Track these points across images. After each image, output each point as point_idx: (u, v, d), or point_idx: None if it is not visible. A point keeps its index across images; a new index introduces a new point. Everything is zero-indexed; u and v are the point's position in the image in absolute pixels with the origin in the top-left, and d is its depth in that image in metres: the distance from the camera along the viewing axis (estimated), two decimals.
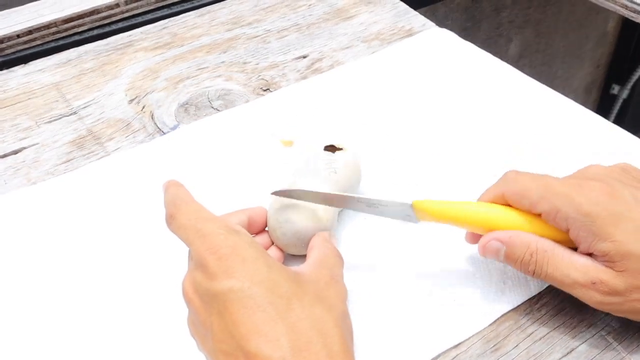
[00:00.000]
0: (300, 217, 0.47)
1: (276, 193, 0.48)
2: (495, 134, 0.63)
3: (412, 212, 0.46)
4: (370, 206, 0.47)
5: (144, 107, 0.67)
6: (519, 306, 0.47)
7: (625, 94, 1.59)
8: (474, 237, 0.47)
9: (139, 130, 0.65)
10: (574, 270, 0.42)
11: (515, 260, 0.44)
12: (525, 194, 0.44)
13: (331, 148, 0.53)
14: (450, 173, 0.59)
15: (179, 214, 0.42)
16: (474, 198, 0.48)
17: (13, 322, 0.47)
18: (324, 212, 0.48)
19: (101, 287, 0.50)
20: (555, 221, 0.43)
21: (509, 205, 0.45)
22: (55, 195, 0.57)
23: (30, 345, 0.46)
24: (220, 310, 0.37)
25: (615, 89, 1.61)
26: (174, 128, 0.65)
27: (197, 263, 0.39)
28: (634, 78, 1.57)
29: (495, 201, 0.46)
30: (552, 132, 0.62)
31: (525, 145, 0.61)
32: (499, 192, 0.45)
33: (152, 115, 0.66)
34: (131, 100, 0.68)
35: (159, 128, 0.65)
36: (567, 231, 0.43)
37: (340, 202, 0.47)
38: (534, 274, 0.44)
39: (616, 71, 1.62)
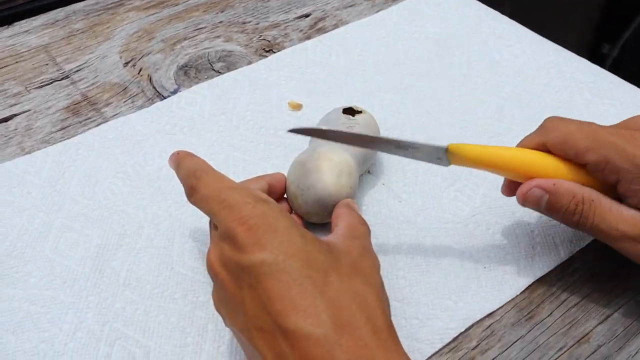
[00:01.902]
0: (323, 184, 0.45)
1: (295, 130, 0.43)
2: (505, 87, 0.61)
3: (444, 155, 0.43)
4: (399, 148, 0.43)
5: (140, 71, 0.64)
6: (550, 272, 0.46)
7: (615, 52, 1.58)
8: (511, 188, 0.45)
9: (137, 94, 0.62)
10: (623, 223, 0.40)
11: (558, 210, 0.42)
12: (570, 143, 0.41)
13: (350, 111, 0.51)
14: (465, 128, 0.57)
15: (200, 185, 0.39)
16: None
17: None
18: (348, 178, 0.46)
19: (104, 261, 0.47)
20: (603, 173, 0.40)
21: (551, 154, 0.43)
22: (53, 165, 0.54)
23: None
24: (253, 284, 0.34)
25: (606, 48, 1.59)
26: (175, 92, 0.62)
27: (224, 235, 0.36)
28: (625, 37, 1.56)
29: (535, 150, 0.43)
30: (561, 85, 0.61)
31: (532, 97, 0.59)
32: (540, 140, 0.43)
33: (150, 78, 0.63)
34: (126, 63, 0.65)
35: (158, 92, 0.62)
36: (616, 183, 0.40)
37: (368, 142, 0.44)
38: (577, 224, 0.41)
39: (607, 30, 1.61)
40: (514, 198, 0.44)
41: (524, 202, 0.42)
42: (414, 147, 0.43)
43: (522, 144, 0.44)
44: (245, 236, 0.35)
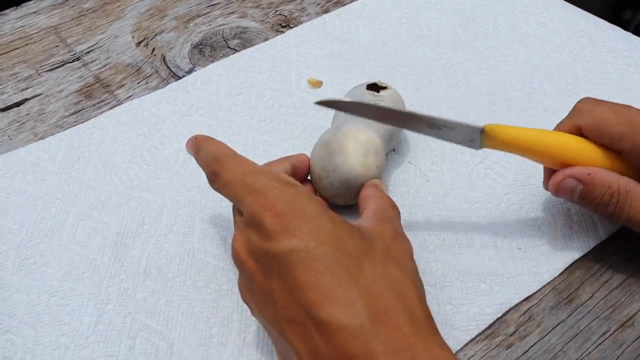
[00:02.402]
0: (349, 165, 0.43)
1: (321, 102, 0.41)
2: (534, 58, 0.58)
3: (477, 137, 0.41)
4: (432, 127, 0.41)
5: (154, 50, 0.62)
6: (589, 252, 0.44)
7: (637, 19, 1.54)
8: (547, 180, 0.43)
9: (151, 75, 0.60)
10: None
11: (592, 201, 0.40)
12: (604, 129, 0.39)
13: (374, 87, 0.49)
14: (493, 102, 0.55)
15: (223, 170, 0.37)
16: None
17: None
18: (374, 158, 0.44)
19: (123, 250, 0.46)
20: (638, 160, 0.39)
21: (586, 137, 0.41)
22: (67, 150, 0.53)
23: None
24: (282, 273, 0.33)
25: (628, 14, 1.56)
26: (190, 71, 0.60)
27: (250, 221, 0.35)
28: None
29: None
30: (593, 54, 0.58)
31: (562, 68, 0.57)
32: (574, 124, 0.41)
33: (164, 58, 0.61)
34: (139, 43, 0.63)
35: (172, 72, 0.60)
36: None
37: (399, 119, 0.41)
38: (612, 216, 0.40)
39: None
40: None
41: (557, 192, 0.41)
42: (447, 127, 0.41)
43: (557, 129, 0.42)
44: (272, 222, 0.34)
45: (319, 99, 0.41)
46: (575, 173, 0.40)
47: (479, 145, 0.41)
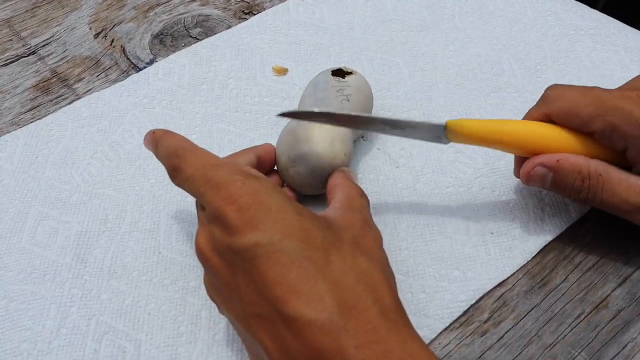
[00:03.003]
0: (316, 153, 0.43)
1: (284, 114, 0.40)
2: (502, 39, 0.58)
3: (443, 134, 0.41)
4: (395, 128, 0.41)
5: (113, 42, 0.61)
6: (561, 234, 0.44)
7: None
8: (518, 168, 0.43)
9: (110, 68, 0.58)
10: (634, 195, 0.38)
11: (564, 188, 0.40)
12: (574, 112, 0.39)
13: (340, 73, 0.48)
14: (461, 85, 0.55)
15: (184, 165, 0.36)
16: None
17: None
18: (342, 145, 0.43)
19: (86, 250, 0.44)
20: (610, 140, 0.38)
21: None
22: (24, 149, 0.51)
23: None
24: (247, 269, 0.32)
25: None
26: (151, 63, 0.58)
27: (213, 216, 0.34)
28: None
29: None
30: (561, 33, 0.58)
31: (530, 48, 0.57)
32: (543, 112, 0.41)
33: (124, 50, 0.60)
34: (97, 35, 0.61)
35: (133, 64, 0.58)
36: (624, 151, 0.38)
37: (361, 123, 0.41)
38: (586, 201, 0.40)
39: None
40: None
41: (528, 182, 0.41)
42: (411, 126, 0.40)
43: (526, 118, 0.42)
44: (236, 217, 0.33)
45: (281, 112, 0.40)
46: (544, 161, 0.40)
47: (446, 141, 0.41)
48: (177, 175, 0.37)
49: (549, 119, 0.40)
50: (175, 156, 0.37)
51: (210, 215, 0.34)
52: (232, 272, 0.33)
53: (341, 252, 0.33)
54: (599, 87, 0.40)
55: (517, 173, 0.43)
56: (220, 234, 0.33)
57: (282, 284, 0.31)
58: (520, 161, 0.42)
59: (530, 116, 0.42)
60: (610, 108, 0.38)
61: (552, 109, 0.40)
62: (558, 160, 0.39)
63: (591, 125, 0.38)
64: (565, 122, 0.40)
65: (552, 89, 0.41)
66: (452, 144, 0.41)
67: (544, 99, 0.41)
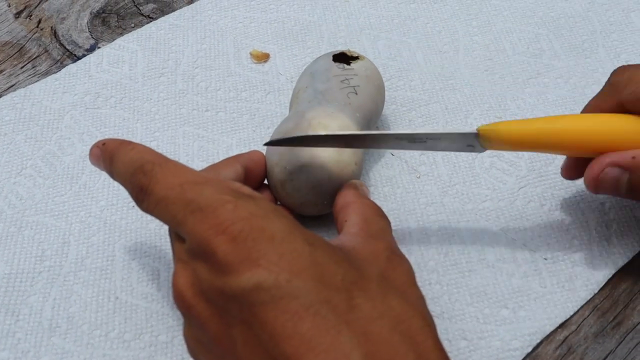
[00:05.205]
0: (319, 163, 0.42)
1: (271, 143, 0.42)
2: (537, 10, 0.59)
3: (476, 141, 0.41)
4: (413, 142, 0.42)
5: (40, 22, 0.61)
6: (634, 258, 0.44)
7: None
8: (573, 168, 0.43)
9: (39, 56, 0.58)
10: None
11: None
12: None
13: (342, 57, 0.47)
14: (491, 70, 0.55)
15: (153, 184, 0.35)
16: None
17: None
18: (351, 152, 0.44)
19: (18, 299, 0.43)
20: None
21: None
22: None
23: None
24: (246, 318, 0.31)
25: None
26: (92, 49, 0.59)
27: (197, 250, 0.33)
28: None
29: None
30: (611, 1, 0.59)
31: (574, 21, 0.57)
32: (613, 102, 0.41)
33: (55, 32, 0.60)
34: (18, 14, 0.62)
35: (68, 51, 0.58)
36: None
37: (371, 142, 0.42)
38: None
39: None
40: None
41: (597, 188, 0.40)
42: (433, 139, 0.41)
43: (589, 109, 0.43)
44: (228, 250, 0.32)
45: (267, 141, 0.42)
46: (617, 159, 0.39)
47: (481, 149, 0.42)
48: (144, 198, 0.36)
49: (622, 109, 0.41)
50: (141, 173, 0.36)
51: (193, 249, 0.33)
52: (226, 324, 0.32)
53: (368, 292, 0.32)
54: None
55: (565, 172, 0.44)
56: (208, 274, 0.32)
57: (293, 338, 0.30)
58: (573, 161, 0.43)
59: (594, 107, 0.42)
60: None
61: (625, 94, 0.40)
62: (634, 157, 0.39)
63: None
64: None
65: (620, 72, 0.42)
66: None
67: (611, 85, 0.42)
